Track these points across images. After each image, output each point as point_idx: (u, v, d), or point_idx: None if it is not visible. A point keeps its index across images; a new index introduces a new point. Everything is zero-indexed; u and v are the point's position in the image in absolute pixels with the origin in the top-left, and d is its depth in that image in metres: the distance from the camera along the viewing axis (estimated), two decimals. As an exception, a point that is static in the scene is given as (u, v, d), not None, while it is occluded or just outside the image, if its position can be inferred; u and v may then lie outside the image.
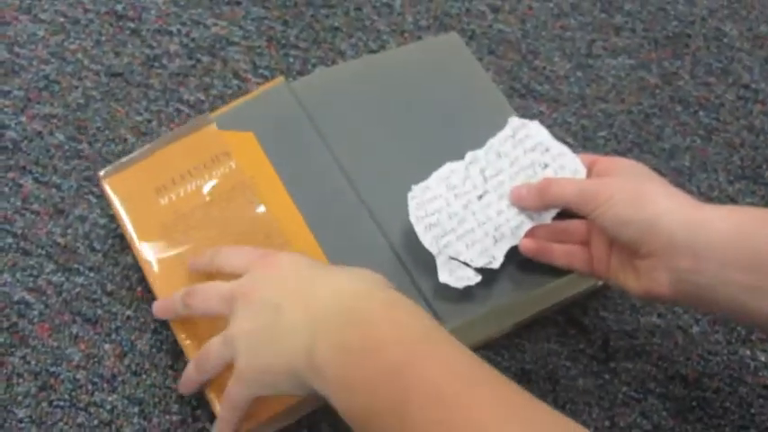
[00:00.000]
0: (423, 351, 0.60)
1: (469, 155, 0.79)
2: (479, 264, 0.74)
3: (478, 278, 0.74)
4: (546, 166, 0.77)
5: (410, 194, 0.78)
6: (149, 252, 0.77)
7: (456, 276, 0.74)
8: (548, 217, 0.75)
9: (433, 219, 0.76)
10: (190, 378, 0.72)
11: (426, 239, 0.75)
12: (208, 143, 0.81)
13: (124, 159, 0.81)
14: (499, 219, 0.76)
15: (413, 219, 0.76)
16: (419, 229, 0.76)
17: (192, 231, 0.77)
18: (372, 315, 0.63)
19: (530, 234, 0.75)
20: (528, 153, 0.78)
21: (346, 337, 0.62)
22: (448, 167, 0.79)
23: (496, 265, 0.74)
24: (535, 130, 0.79)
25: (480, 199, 0.77)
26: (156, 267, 0.77)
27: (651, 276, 0.68)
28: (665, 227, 0.67)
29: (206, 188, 0.79)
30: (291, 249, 0.76)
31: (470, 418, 0.55)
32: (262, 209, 0.78)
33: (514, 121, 0.80)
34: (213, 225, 0.78)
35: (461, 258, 0.75)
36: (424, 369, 0.58)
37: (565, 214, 0.75)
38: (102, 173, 0.81)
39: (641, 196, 0.69)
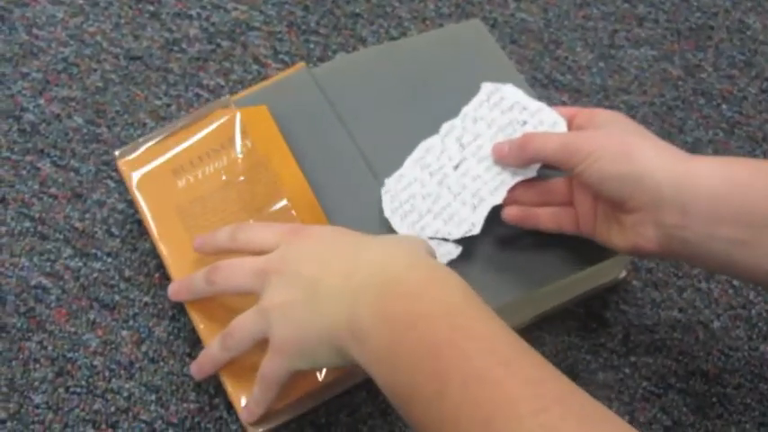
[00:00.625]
0: (465, 327, 0.59)
1: (445, 126, 0.78)
2: (458, 234, 0.74)
3: (459, 249, 0.73)
4: (525, 123, 0.75)
5: (383, 189, 0.77)
6: (166, 234, 0.77)
7: (438, 254, 0.73)
8: (533, 171, 0.74)
9: (407, 206, 0.76)
10: (212, 357, 0.71)
11: (403, 229, 0.75)
12: (226, 125, 0.80)
13: (141, 140, 0.80)
14: (475, 184, 0.75)
15: (387, 213, 0.76)
16: (395, 222, 0.75)
17: (209, 215, 0.77)
18: (417, 287, 0.62)
19: (511, 201, 0.74)
20: (505, 113, 0.77)
21: (389, 308, 0.61)
22: (423, 146, 0.78)
23: (476, 230, 0.74)
24: (510, 92, 0.77)
25: (456, 169, 0.76)
26: (172, 249, 0.76)
27: (637, 231, 0.67)
28: (652, 181, 0.65)
29: (224, 170, 0.78)
30: None
31: (509, 399, 0.54)
32: (277, 190, 0.78)
33: (488, 85, 0.78)
34: (230, 207, 0.77)
35: (440, 235, 0.74)
36: (466, 346, 0.57)
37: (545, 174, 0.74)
38: (117, 153, 0.80)
39: (627, 150, 0.67)
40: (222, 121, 0.80)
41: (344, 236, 0.69)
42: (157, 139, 0.80)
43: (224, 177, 0.78)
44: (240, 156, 0.79)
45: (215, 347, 0.70)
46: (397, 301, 0.61)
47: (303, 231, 0.70)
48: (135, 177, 0.79)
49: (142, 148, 0.80)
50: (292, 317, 0.66)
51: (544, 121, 0.75)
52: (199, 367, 0.72)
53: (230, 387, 0.71)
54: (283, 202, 0.77)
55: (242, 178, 0.78)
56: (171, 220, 0.77)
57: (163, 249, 0.76)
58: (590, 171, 0.67)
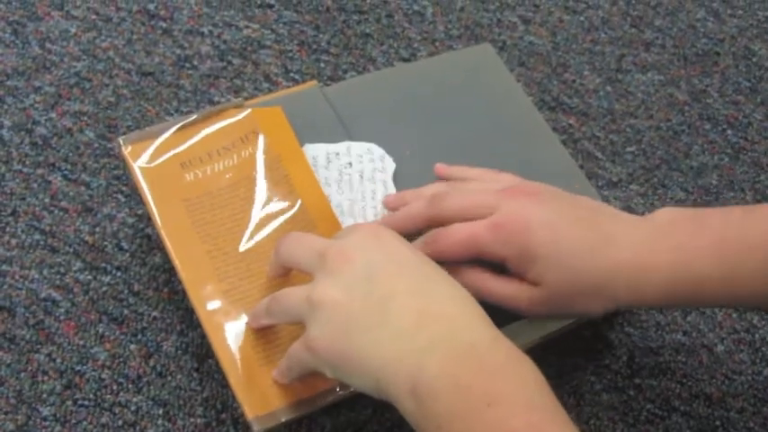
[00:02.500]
0: (542, 424, 0.56)
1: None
2: None
3: None
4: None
5: None
6: (171, 225, 0.75)
7: None
8: None
9: None
10: (258, 316, 0.69)
11: None
12: (239, 124, 0.80)
13: (147, 130, 0.79)
14: None
15: None
16: None
17: (216, 210, 0.76)
18: (498, 364, 0.59)
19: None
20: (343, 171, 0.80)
21: (466, 378, 0.57)
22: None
23: None
24: (316, 148, 0.81)
25: None
26: (177, 241, 0.75)
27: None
28: (609, 290, 0.69)
29: (234, 168, 0.78)
30: (317, 232, 0.76)
31: None
32: (289, 189, 0.78)
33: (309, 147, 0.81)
34: (240, 205, 0.77)
35: None
36: None
37: None
38: (121, 139, 0.78)
39: (570, 261, 0.68)
40: (235, 119, 0.80)
41: (414, 255, 0.64)
42: (167, 133, 0.78)
43: (234, 175, 0.78)
44: (251, 156, 0.79)
45: (263, 306, 0.68)
46: (476, 375, 0.57)
47: (377, 230, 0.65)
48: (140, 166, 0.77)
49: (149, 138, 0.78)
50: (343, 326, 0.61)
51: (374, 158, 0.80)
52: (251, 318, 0.71)
53: (236, 388, 0.70)
54: (297, 203, 0.77)
55: (253, 176, 0.78)
56: (177, 211, 0.76)
57: (167, 240, 0.74)
58: (535, 276, 0.69)
